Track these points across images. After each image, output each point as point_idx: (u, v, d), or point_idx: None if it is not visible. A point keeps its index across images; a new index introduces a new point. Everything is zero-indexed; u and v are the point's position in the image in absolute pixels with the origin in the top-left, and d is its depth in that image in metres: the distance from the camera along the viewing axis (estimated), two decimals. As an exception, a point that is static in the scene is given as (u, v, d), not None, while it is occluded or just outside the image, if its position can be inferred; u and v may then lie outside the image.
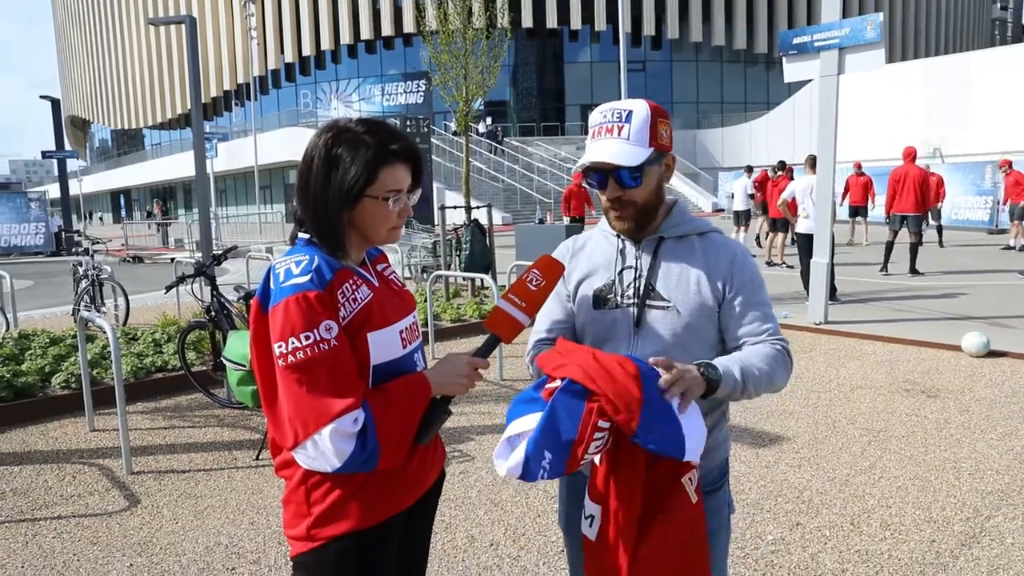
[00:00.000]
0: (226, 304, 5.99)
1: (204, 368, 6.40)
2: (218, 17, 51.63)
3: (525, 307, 1.68)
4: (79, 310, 8.27)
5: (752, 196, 15.99)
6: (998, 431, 4.91)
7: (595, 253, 1.92)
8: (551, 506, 3.92)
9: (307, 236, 1.62)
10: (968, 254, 15.19)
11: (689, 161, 37.37)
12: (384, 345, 1.59)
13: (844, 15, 8.00)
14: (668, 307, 1.79)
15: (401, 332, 1.65)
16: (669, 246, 1.84)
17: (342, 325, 1.52)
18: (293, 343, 1.46)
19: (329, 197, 1.56)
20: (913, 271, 11.82)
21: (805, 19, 45.65)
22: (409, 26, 43.51)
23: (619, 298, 1.83)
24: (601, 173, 1.77)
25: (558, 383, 1.55)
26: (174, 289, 6.79)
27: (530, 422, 1.54)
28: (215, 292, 5.95)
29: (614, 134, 1.74)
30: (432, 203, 19.40)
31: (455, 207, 11.58)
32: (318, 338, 1.46)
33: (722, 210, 28.47)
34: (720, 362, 1.69)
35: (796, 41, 8.35)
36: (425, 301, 8.02)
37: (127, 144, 68.14)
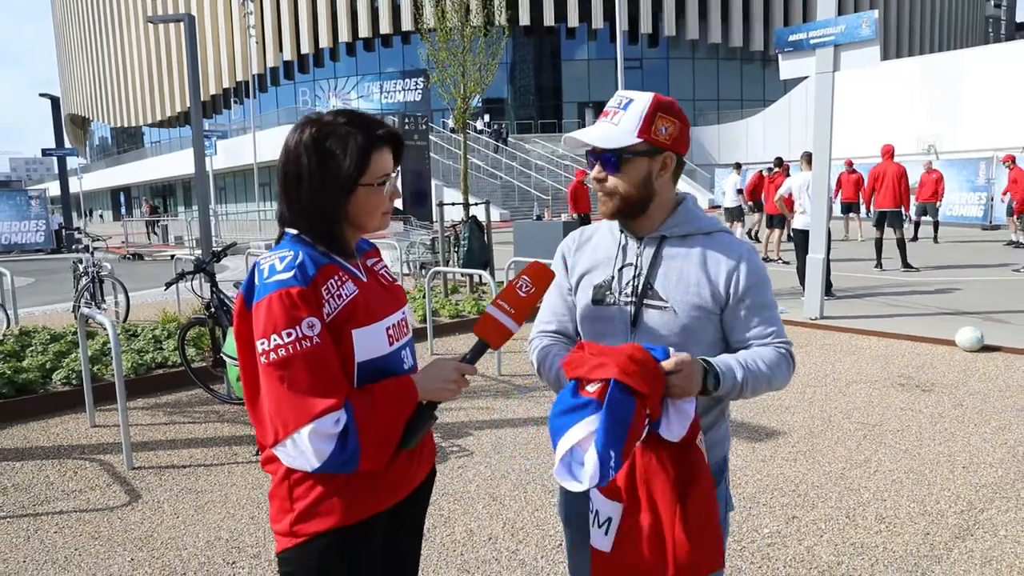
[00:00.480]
0: (226, 300, 6.02)
1: (204, 364, 6.42)
2: (217, 15, 51.56)
3: (514, 313, 1.67)
4: (80, 307, 8.29)
5: (740, 192, 16.06)
6: (992, 425, 4.95)
7: (599, 247, 1.91)
8: (549, 500, 3.95)
9: (294, 232, 1.60)
10: (962, 249, 15.24)
11: (685, 157, 37.32)
12: (369, 342, 1.57)
13: (839, 13, 8.05)
14: (665, 307, 1.77)
15: (388, 329, 1.63)
16: (671, 245, 1.81)
17: (326, 322, 1.50)
18: (275, 340, 1.44)
19: (326, 192, 1.55)
20: (906, 265, 11.90)
21: (801, 16, 45.65)
22: (407, 24, 43.44)
23: (617, 295, 1.82)
24: (594, 155, 1.77)
25: (598, 384, 1.51)
26: (174, 286, 6.80)
27: (584, 429, 1.49)
28: (215, 289, 5.97)
29: (608, 118, 1.75)
30: (431, 200, 19.42)
31: (453, 204, 11.61)
32: (300, 335, 1.44)
33: (718, 207, 28.47)
34: (722, 361, 1.68)
35: (792, 38, 8.38)
36: (424, 297, 8.05)
37: (127, 142, 68.05)
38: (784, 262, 13.35)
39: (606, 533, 1.62)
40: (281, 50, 49.20)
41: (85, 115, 73.06)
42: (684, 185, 34.30)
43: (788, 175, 13.32)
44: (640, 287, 1.80)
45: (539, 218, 26.09)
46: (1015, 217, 15.16)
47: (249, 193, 43.93)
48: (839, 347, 7.32)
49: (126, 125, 64.56)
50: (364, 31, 46.31)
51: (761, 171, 16.77)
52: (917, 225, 17.19)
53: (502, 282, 7.56)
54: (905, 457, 4.46)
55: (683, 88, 46.87)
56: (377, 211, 1.62)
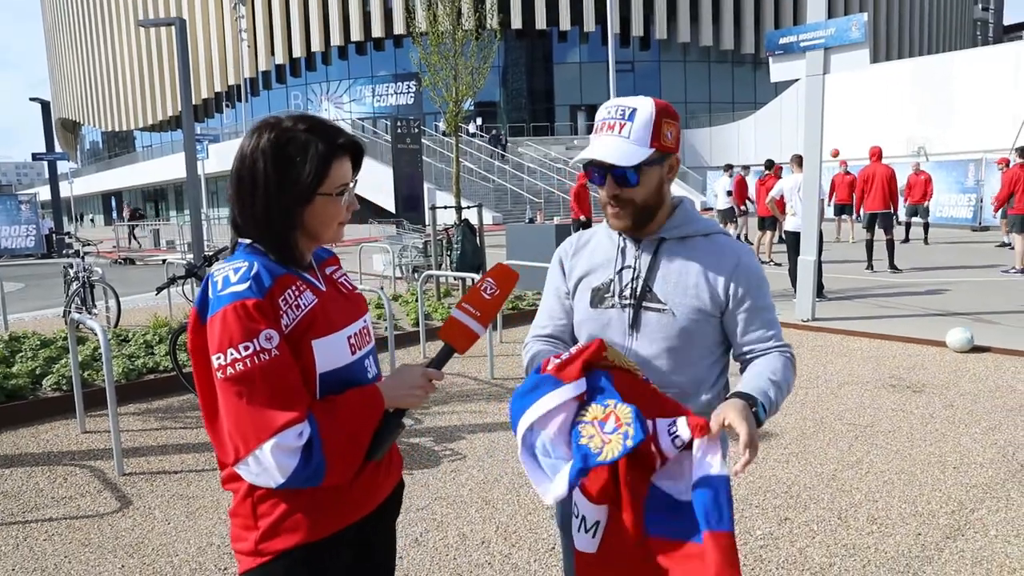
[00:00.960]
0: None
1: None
2: (208, 19, 51.45)
3: (479, 316, 1.65)
4: (70, 312, 8.26)
5: (730, 194, 16.11)
6: (982, 425, 4.98)
7: (597, 251, 1.91)
8: (542, 504, 3.95)
9: (248, 241, 1.56)
10: (952, 251, 15.31)
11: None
12: (330, 352, 1.52)
13: (829, 16, 8.08)
14: (664, 310, 1.77)
15: (349, 338, 1.59)
16: (670, 247, 1.81)
17: (284, 334, 1.45)
18: (232, 354, 1.39)
19: (282, 199, 1.49)
20: (893, 267, 11.97)
21: (791, 20, 45.85)
22: (399, 27, 43.47)
23: (616, 298, 1.82)
24: (601, 170, 1.75)
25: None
26: (165, 290, 6.79)
27: (543, 406, 1.51)
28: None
29: (615, 131, 1.72)
30: (423, 203, 19.42)
31: (446, 207, 11.61)
32: (258, 348, 1.39)
33: (710, 209, 28.57)
34: (757, 390, 1.65)
35: (782, 41, 8.42)
36: (416, 301, 8.04)
37: (118, 146, 67.80)
38: (776, 264, 13.40)
39: (593, 536, 1.61)
40: (273, 54, 49.14)
41: (76, 119, 72.77)
42: (676, 189, 34.35)
43: (779, 177, 13.36)
44: (639, 289, 1.80)
45: (531, 221, 26.17)
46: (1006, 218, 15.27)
47: (241, 197, 43.67)
48: (831, 348, 7.34)
49: (117, 129, 64.32)
50: (356, 35, 46.30)
51: (741, 174, 16.85)
52: (908, 227, 17.27)
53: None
54: (896, 458, 4.47)
55: (675, 91, 46.97)
56: (334, 221, 1.56)
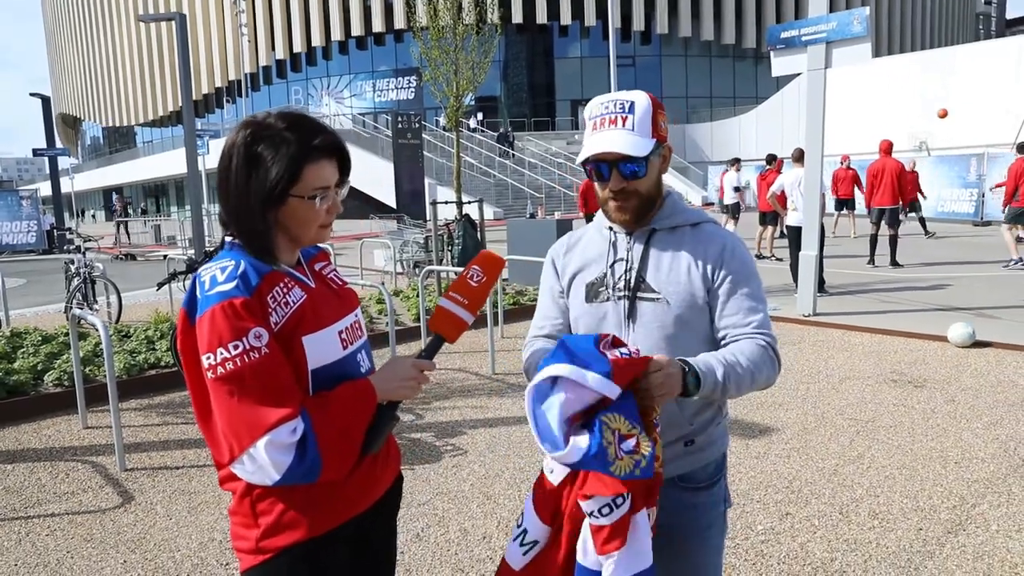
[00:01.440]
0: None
1: (197, 365, 6.40)
2: (208, 14, 51.38)
3: (467, 304, 1.65)
4: (71, 308, 8.26)
5: (737, 189, 16.08)
6: (983, 420, 4.97)
7: (589, 247, 1.92)
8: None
9: (232, 239, 1.55)
10: (954, 246, 15.29)
11: (678, 155, 37.44)
12: (321, 348, 1.52)
13: (831, 9, 8.07)
14: (658, 299, 1.78)
15: (340, 333, 1.58)
16: (660, 237, 1.83)
17: (274, 331, 1.44)
18: (222, 354, 1.39)
19: (251, 198, 1.48)
20: (894, 263, 11.95)
21: (793, 14, 45.78)
22: (400, 22, 43.38)
23: (610, 291, 1.83)
24: (605, 165, 1.75)
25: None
26: (166, 286, 6.80)
27: (589, 380, 1.46)
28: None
29: (618, 125, 1.72)
30: (424, 198, 19.41)
31: (447, 202, 11.59)
32: (247, 347, 1.39)
33: (711, 204, 28.57)
34: (702, 361, 1.64)
35: (784, 36, 8.40)
36: (418, 296, 8.04)
37: (119, 142, 67.77)
38: (777, 259, 13.38)
39: (525, 554, 1.59)
40: (273, 48, 49.09)
41: (76, 115, 72.74)
42: (677, 183, 34.40)
43: (780, 172, 13.33)
44: (632, 280, 1.81)
45: (532, 216, 26.15)
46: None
47: (242, 192, 43.68)
48: (832, 343, 7.34)
49: (118, 125, 64.30)
50: (357, 29, 46.25)
51: (725, 169, 16.80)
52: (923, 221, 17.22)
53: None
54: (898, 453, 4.47)
55: (676, 85, 46.94)
56: (311, 224, 1.54)
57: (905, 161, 17.75)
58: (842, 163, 17.22)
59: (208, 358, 1.41)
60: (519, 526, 1.64)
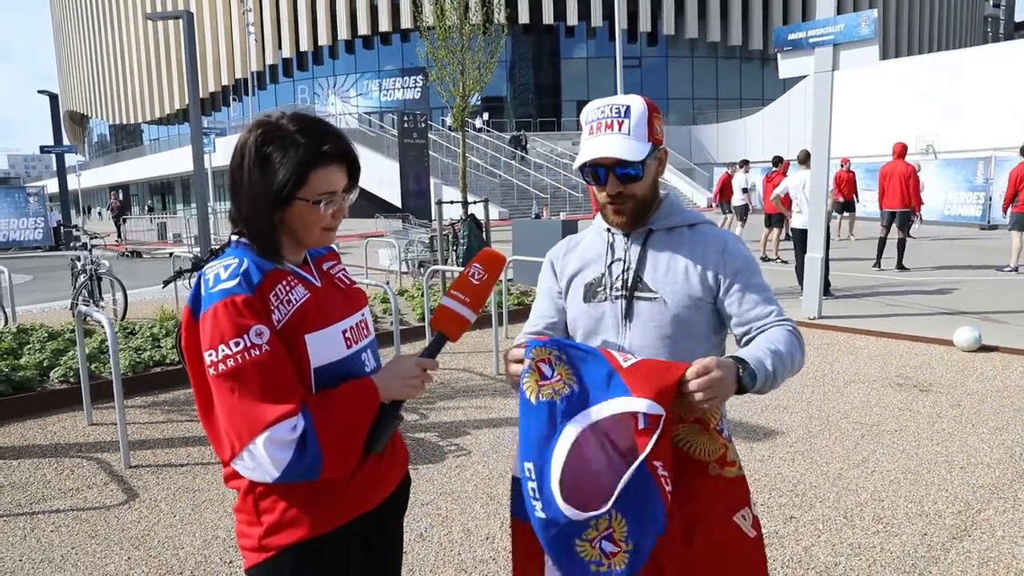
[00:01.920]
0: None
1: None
2: (216, 13, 51.52)
3: (469, 302, 1.66)
4: (77, 304, 8.28)
5: (746, 191, 16.05)
6: (989, 425, 4.95)
7: (588, 249, 1.94)
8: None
9: (238, 237, 1.57)
10: (960, 249, 15.24)
11: (684, 156, 37.42)
12: (324, 346, 1.52)
13: (839, 12, 8.05)
14: (656, 299, 1.79)
15: (344, 332, 1.58)
16: (658, 238, 1.85)
17: (276, 329, 1.45)
18: (223, 350, 1.39)
19: (259, 198, 1.49)
20: (900, 267, 11.93)
21: (800, 15, 45.72)
22: (406, 22, 43.44)
23: (608, 291, 1.84)
24: (602, 169, 1.76)
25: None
26: (172, 284, 6.81)
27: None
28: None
29: (614, 129, 1.74)
30: (429, 198, 19.43)
31: (452, 202, 11.60)
32: (248, 344, 1.39)
33: (711, 205, 28.52)
34: (749, 355, 1.63)
35: (791, 37, 8.37)
36: (423, 295, 8.05)
37: (125, 139, 68.04)
38: (783, 261, 13.35)
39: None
40: (280, 47, 49.19)
41: (84, 112, 73.02)
42: (683, 184, 34.34)
43: (786, 174, 13.30)
44: (630, 280, 1.82)
45: (538, 217, 26.13)
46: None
47: (248, 191, 43.74)
48: (837, 347, 7.32)
49: (125, 122, 64.53)
50: (363, 29, 46.32)
51: (727, 171, 16.76)
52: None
53: (500, 281, 7.56)
54: (903, 457, 4.46)
55: (682, 87, 46.92)
56: (315, 227, 1.54)
57: (916, 163, 17.74)
58: (842, 165, 17.18)
59: (210, 355, 1.42)
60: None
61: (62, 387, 6.06)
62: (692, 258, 1.81)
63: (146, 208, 55.37)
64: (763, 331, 1.77)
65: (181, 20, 9.08)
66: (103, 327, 5.12)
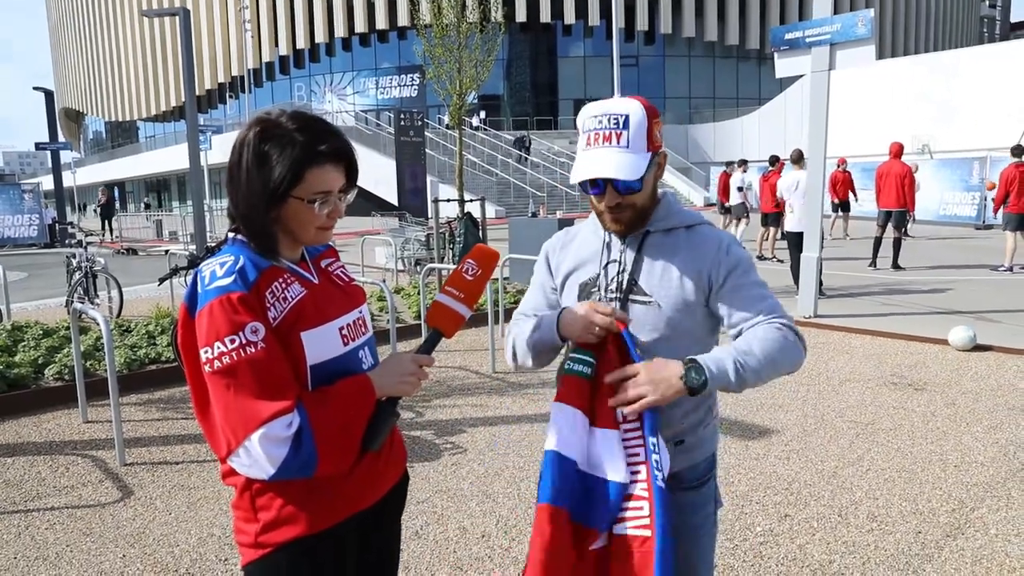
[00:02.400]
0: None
1: (197, 361, 6.40)
2: (212, 9, 51.37)
3: (463, 298, 1.66)
4: (72, 302, 8.28)
5: (741, 190, 16.06)
6: (983, 424, 4.97)
7: (583, 246, 1.93)
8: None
9: (234, 234, 1.57)
10: (955, 249, 15.28)
11: (681, 155, 37.45)
12: (320, 343, 1.52)
13: (835, 11, 8.06)
14: (650, 302, 1.78)
15: (341, 329, 1.58)
16: (654, 240, 1.83)
17: (272, 326, 1.45)
18: (219, 347, 1.40)
19: (256, 195, 1.49)
20: (896, 266, 11.96)
21: (797, 15, 45.75)
22: (403, 19, 43.40)
23: (603, 292, 1.84)
24: (600, 181, 1.74)
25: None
26: (168, 281, 6.80)
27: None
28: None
29: (612, 142, 1.70)
30: (426, 196, 19.42)
31: (448, 200, 11.60)
32: (244, 341, 1.40)
33: (713, 204, 28.58)
34: (711, 356, 1.65)
35: (788, 37, 8.39)
36: (419, 294, 8.05)
37: (121, 136, 67.80)
38: (778, 260, 13.37)
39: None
40: (277, 45, 49.06)
41: (79, 109, 72.76)
42: (680, 183, 34.37)
43: (782, 174, 13.31)
44: (625, 283, 1.81)
45: (534, 215, 26.12)
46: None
47: (244, 188, 43.64)
48: (832, 346, 7.33)
49: (120, 119, 64.33)
50: (360, 26, 46.21)
51: (725, 170, 16.77)
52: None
53: (496, 279, 7.57)
54: (897, 456, 4.47)
55: (679, 86, 46.91)
56: (310, 226, 1.54)
57: (912, 163, 17.77)
58: (838, 166, 17.20)
59: (206, 352, 1.42)
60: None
61: (57, 384, 6.05)
62: (688, 261, 1.79)
63: (142, 205, 55.21)
64: (751, 330, 1.76)
65: (177, 17, 9.07)
66: (98, 324, 5.11)
